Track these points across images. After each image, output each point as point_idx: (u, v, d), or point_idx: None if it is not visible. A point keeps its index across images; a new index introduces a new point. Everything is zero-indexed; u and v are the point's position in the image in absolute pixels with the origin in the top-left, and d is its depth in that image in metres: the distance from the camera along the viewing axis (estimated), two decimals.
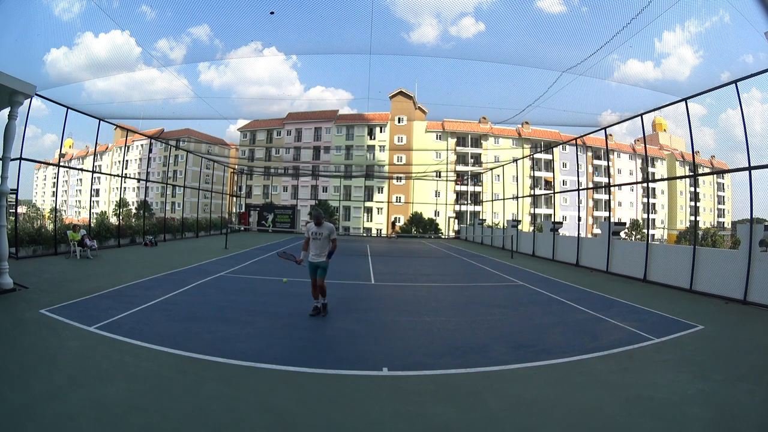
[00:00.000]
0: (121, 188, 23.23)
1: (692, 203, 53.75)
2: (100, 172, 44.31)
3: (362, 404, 3.37)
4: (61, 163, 31.95)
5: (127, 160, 60.77)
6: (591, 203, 53.65)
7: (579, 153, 31.87)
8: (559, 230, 16.51)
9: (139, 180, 45.31)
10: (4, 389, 3.25)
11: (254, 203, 41.87)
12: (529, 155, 31.00)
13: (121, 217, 25.03)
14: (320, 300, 6.04)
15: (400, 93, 48.25)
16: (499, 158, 34.88)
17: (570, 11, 9.57)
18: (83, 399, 3.16)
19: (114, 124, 16.40)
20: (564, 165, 49.07)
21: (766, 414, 3.46)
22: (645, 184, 50.84)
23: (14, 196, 12.10)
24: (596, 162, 53.71)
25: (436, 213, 42.65)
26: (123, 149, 55.23)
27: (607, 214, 49.58)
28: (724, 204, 61.36)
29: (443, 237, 34.58)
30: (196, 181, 37.20)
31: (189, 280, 8.50)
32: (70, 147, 69.50)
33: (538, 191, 39.41)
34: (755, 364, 4.67)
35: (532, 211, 35.50)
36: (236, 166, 40.06)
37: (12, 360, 3.89)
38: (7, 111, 6.94)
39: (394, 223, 37.99)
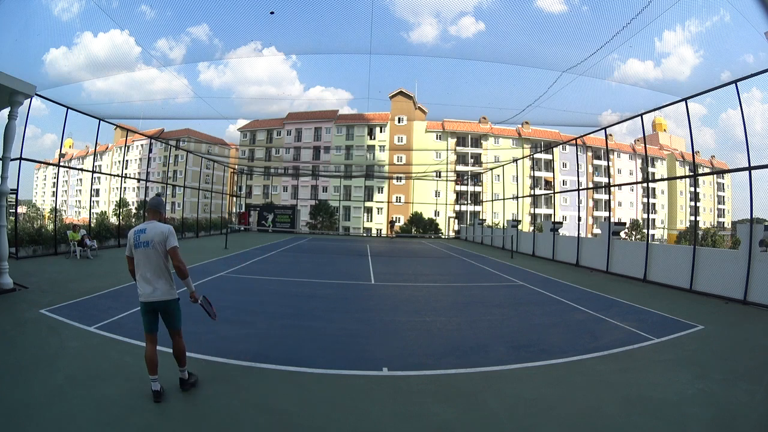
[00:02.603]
0: (121, 188, 23.25)
1: (692, 203, 53.73)
2: (100, 172, 44.32)
3: (362, 404, 3.37)
4: (61, 163, 31.92)
5: (127, 160, 60.76)
6: (591, 203, 53.63)
7: (579, 153, 31.85)
8: (559, 230, 16.51)
9: (139, 180, 45.30)
10: (4, 389, 3.25)
11: (254, 203, 41.89)
12: (529, 155, 30.99)
13: (121, 217, 25.04)
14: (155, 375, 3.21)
15: (400, 93, 48.27)
16: (499, 158, 34.87)
17: (570, 11, 9.59)
18: (83, 399, 3.16)
19: (114, 124, 16.40)
20: (564, 165, 49.05)
21: (766, 414, 3.46)
22: (645, 184, 50.82)
23: (14, 196, 12.11)
24: (596, 162, 53.69)
25: (436, 213, 42.65)
26: (123, 149, 55.24)
27: (607, 214, 49.58)
28: (724, 204, 61.34)
29: (443, 237, 34.58)
30: (196, 181, 37.17)
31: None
32: (70, 147, 69.47)
33: (538, 191, 39.41)
34: (755, 364, 4.66)
35: (532, 211, 35.48)
36: (236, 166, 40.05)
37: (12, 360, 3.89)
38: (7, 111, 6.95)
39: (392, 223, 37.62)
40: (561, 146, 42.68)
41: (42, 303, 5.97)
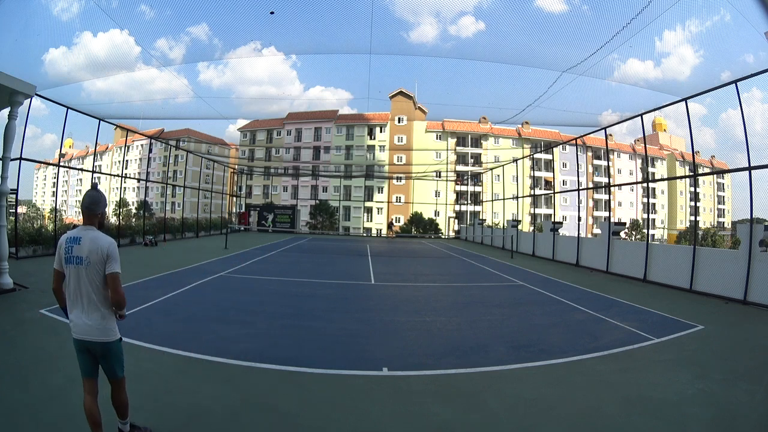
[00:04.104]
0: (121, 188, 23.25)
1: (692, 203, 53.74)
2: (100, 172, 44.31)
3: (362, 404, 3.37)
4: (61, 163, 31.94)
5: (127, 160, 60.73)
6: (591, 203, 53.63)
7: (579, 153, 31.85)
8: (559, 230, 16.51)
9: (139, 180, 45.34)
10: (4, 389, 3.25)
11: (254, 203, 41.89)
12: (529, 155, 30.98)
13: (121, 217, 25.04)
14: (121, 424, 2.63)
15: (400, 93, 48.29)
16: (499, 158, 34.87)
17: (570, 10, 9.59)
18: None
19: (114, 124, 16.40)
20: (564, 165, 49.06)
21: (766, 414, 3.46)
22: (645, 184, 50.83)
23: (14, 196, 12.10)
24: (596, 162, 53.70)
25: (436, 213, 42.66)
26: (123, 149, 55.23)
27: (607, 214, 49.57)
28: (724, 204, 61.35)
29: (443, 237, 34.58)
30: (196, 181, 37.18)
31: (189, 280, 8.50)
32: (70, 147, 69.48)
33: (538, 191, 39.41)
34: (755, 364, 4.66)
35: (532, 211, 35.48)
36: (236, 166, 40.05)
37: (12, 360, 3.89)
38: (7, 111, 6.94)
39: (390, 224, 35.99)
40: (561, 146, 42.70)
41: (42, 303, 5.96)
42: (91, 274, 2.41)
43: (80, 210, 2.59)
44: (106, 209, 2.65)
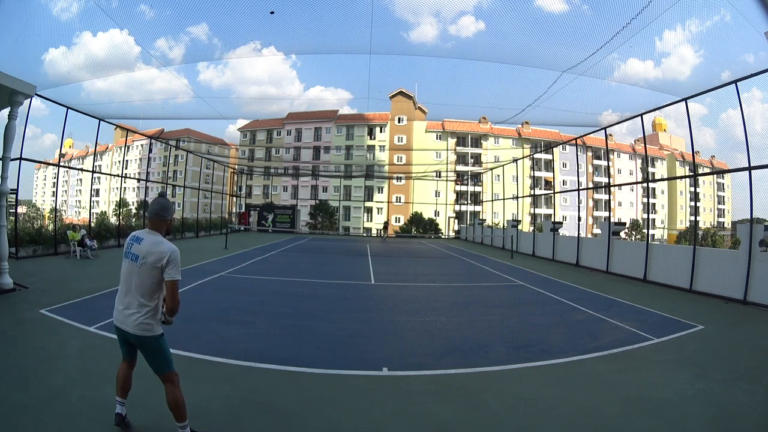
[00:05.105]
0: (121, 188, 23.28)
1: (692, 203, 53.73)
2: (100, 172, 44.33)
3: (362, 404, 3.36)
4: (61, 163, 31.92)
5: (127, 160, 60.69)
6: (591, 203, 53.61)
7: (579, 153, 31.80)
8: (559, 230, 16.51)
9: (139, 180, 45.30)
10: (4, 389, 3.25)
11: (254, 203, 41.89)
12: (529, 155, 30.98)
13: (121, 217, 25.05)
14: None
15: (400, 93, 48.26)
16: (499, 158, 34.84)
17: (570, 10, 9.59)
18: (83, 399, 3.16)
19: (114, 124, 16.40)
20: (564, 165, 49.03)
21: (766, 414, 3.46)
22: (645, 184, 50.82)
23: (14, 196, 12.11)
24: (596, 162, 53.67)
25: (436, 213, 42.64)
26: (123, 149, 55.20)
27: (607, 214, 49.56)
28: (724, 204, 61.34)
29: (443, 237, 34.58)
30: (196, 181, 37.16)
31: (189, 280, 8.49)
32: (70, 147, 69.45)
33: (538, 191, 39.38)
34: (755, 364, 4.66)
35: (532, 211, 35.47)
36: (236, 166, 40.04)
37: (12, 360, 3.89)
38: (7, 111, 6.94)
39: (386, 225, 32.21)
40: (561, 146, 42.67)
41: (42, 303, 5.96)
42: (143, 274, 2.47)
43: (148, 217, 2.68)
44: (167, 207, 2.68)
